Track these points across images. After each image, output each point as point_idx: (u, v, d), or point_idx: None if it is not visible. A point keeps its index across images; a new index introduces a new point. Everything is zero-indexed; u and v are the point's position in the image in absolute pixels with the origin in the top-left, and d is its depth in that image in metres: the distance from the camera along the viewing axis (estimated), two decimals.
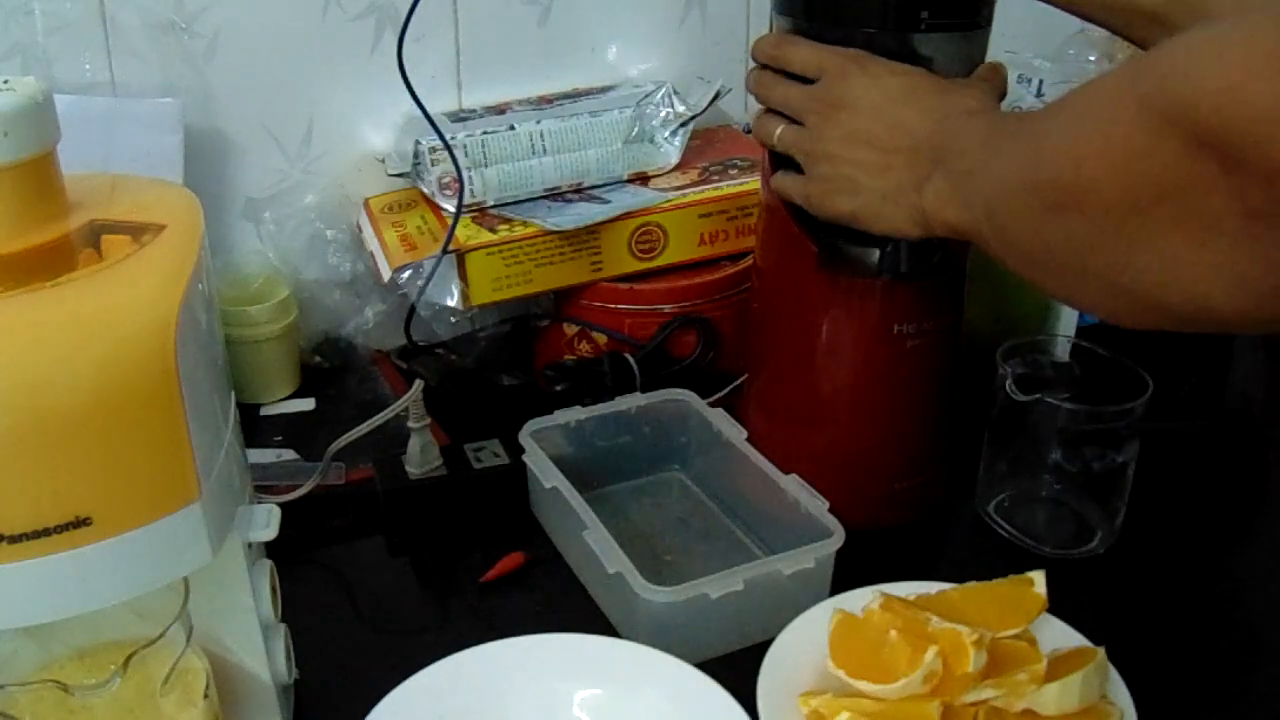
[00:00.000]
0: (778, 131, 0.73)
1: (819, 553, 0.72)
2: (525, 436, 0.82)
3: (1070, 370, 0.82)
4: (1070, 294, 0.56)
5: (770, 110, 0.75)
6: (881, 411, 0.81)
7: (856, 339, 0.79)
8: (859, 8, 0.71)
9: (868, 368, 0.79)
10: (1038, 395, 0.77)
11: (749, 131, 1.16)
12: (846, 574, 0.73)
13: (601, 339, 0.97)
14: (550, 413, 0.85)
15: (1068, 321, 0.99)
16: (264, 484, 0.82)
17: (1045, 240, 0.53)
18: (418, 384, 0.81)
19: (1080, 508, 0.82)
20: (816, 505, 0.75)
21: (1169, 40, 0.48)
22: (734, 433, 0.83)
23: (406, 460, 0.83)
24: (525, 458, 0.81)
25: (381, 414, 0.79)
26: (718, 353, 0.95)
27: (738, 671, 0.67)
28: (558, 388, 0.94)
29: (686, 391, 0.88)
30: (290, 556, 0.69)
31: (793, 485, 0.77)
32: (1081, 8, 0.73)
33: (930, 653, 0.63)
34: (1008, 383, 0.79)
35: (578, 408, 0.85)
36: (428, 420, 0.82)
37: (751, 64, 0.77)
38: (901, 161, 0.66)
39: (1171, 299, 0.48)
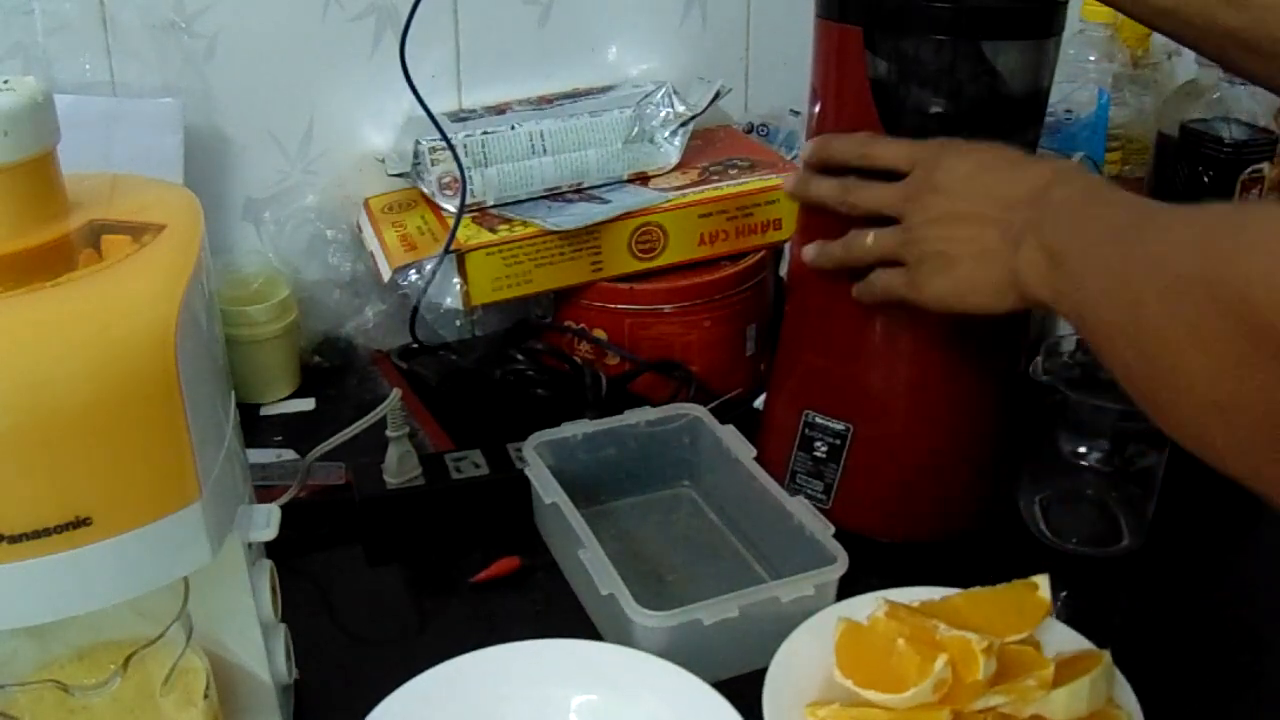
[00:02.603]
0: (869, 239, 0.72)
1: (819, 580, 0.71)
2: (529, 449, 0.81)
3: (1088, 367, 0.81)
4: (1157, 424, 0.53)
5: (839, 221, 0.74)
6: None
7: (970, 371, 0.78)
8: (930, 15, 0.70)
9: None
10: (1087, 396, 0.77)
11: (749, 131, 1.16)
12: (853, 577, 0.72)
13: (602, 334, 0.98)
14: (551, 415, 0.85)
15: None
16: (264, 484, 0.82)
17: (1136, 385, 0.52)
18: (395, 393, 0.80)
19: (1116, 508, 0.82)
20: (821, 530, 0.74)
21: (1237, 223, 0.46)
22: (743, 451, 0.82)
23: (385, 469, 0.82)
24: (527, 471, 0.80)
25: (356, 424, 0.77)
26: (691, 395, 0.94)
27: (741, 680, 0.67)
28: (539, 391, 0.94)
29: (697, 406, 0.87)
30: (290, 556, 0.69)
31: (798, 508, 0.76)
32: (1158, 22, 0.72)
33: (940, 661, 0.62)
34: (1046, 379, 0.78)
35: (585, 420, 0.84)
36: (406, 429, 0.81)
37: (800, 169, 0.76)
38: (993, 228, 0.65)
39: (1262, 486, 0.47)
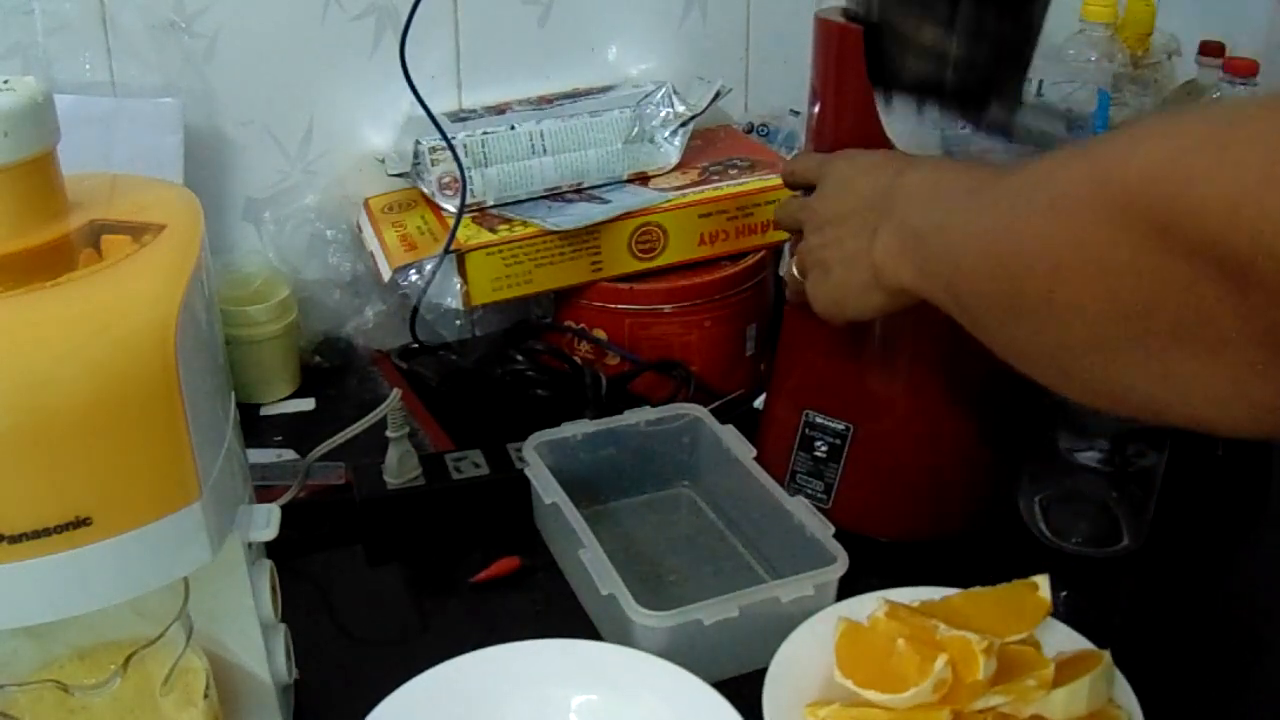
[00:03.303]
0: (793, 265, 0.71)
1: (819, 580, 0.71)
2: (529, 449, 0.81)
3: None
4: (1049, 385, 0.50)
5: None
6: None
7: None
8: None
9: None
10: None
11: (749, 131, 1.16)
12: (853, 576, 0.72)
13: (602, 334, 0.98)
14: (551, 415, 0.85)
15: None
16: (264, 484, 0.82)
17: (1017, 337, 0.49)
18: (395, 393, 0.80)
19: (1116, 508, 0.82)
20: (821, 529, 0.74)
21: (1124, 134, 0.44)
22: (743, 451, 0.82)
23: (385, 469, 0.82)
24: (527, 471, 0.80)
25: (356, 424, 0.78)
26: (690, 394, 0.94)
27: (741, 680, 0.67)
28: (539, 391, 0.94)
29: (697, 407, 0.87)
30: (290, 556, 0.69)
31: (798, 508, 0.76)
32: None
33: (940, 661, 0.62)
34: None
35: (585, 420, 0.84)
36: (406, 429, 0.81)
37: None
38: (856, 227, 0.63)
39: (1167, 414, 0.44)
